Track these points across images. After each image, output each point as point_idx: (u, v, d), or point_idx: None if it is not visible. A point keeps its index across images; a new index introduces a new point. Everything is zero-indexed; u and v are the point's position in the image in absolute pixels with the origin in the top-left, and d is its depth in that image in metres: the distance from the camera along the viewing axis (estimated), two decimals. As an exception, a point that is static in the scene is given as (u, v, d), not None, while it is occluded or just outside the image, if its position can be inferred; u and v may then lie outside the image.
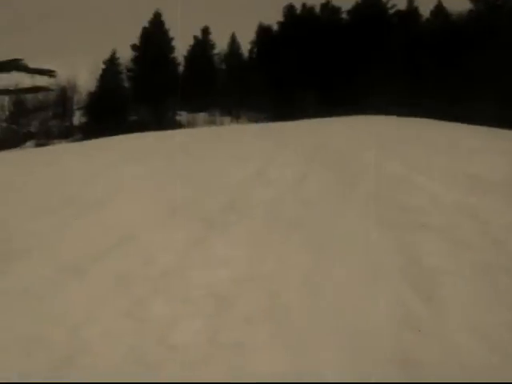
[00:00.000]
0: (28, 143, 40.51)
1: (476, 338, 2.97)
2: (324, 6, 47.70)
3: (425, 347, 2.90)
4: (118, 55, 47.59)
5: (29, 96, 47.47)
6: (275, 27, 48.71)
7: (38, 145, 37.56)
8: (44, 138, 41.58)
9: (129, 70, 47.18)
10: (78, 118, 46.93)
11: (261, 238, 4.95)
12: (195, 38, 52.00)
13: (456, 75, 30.16)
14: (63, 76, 46.80)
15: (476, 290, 3.61)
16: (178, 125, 40.33)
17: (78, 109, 47.53)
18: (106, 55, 47.29)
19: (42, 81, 41.59)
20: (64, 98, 47.84)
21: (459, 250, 4.39)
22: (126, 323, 3.36)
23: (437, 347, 2.90)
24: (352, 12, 45.72)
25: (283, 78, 37.32)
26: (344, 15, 46.80)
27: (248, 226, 5.37)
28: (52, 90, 48.54)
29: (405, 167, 7.87)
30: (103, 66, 46.90)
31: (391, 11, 45.29)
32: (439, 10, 43.45)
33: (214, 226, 5.43)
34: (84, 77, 46.75)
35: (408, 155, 8.80)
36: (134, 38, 47.26)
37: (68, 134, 43.61)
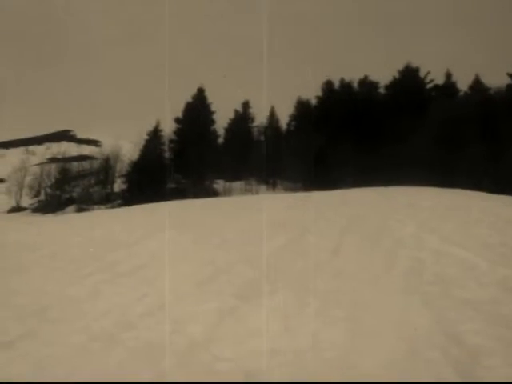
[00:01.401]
0: (68, 208, 41.91)
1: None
2: (362, 81, 48.95)
3: None
4: (160, 127, 49.68)
5: (74, 164, 49.78)
6: (313, 101, 50.07)
7: (79, 210, 38.78)
8: (85, 203, 42.97)
9: (171, 142, 48.89)
10: (118, 185, 48.52)
11: (293, 312, 4.81)
12: (236, 111, 53.97)
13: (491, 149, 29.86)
14: (108, 145, 49.11)
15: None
16: (214, 193, 41.04)
17: (120, 176, 49.24)
18: (150, 127, 49.41)
19: (87, 150, 43.68)
20: (107, 166, 49.86)
21: (502, 329, 4.13)
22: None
23: None
24: (389, 86, 46.66)
25: (319, 150, 37.80)
26: (381, 90, 47.76)
27: (281, 297, 5.25)
28: (96, 159, 50.78)
29: (443, 240, 7.64)
30: (146, 137, 48.86)
31: (429, 85, 46.00)
32: (477, 84, 43.82)
33: (246, 297, 5.33)
34: (127, 146, 48.86)
35: (445, 227, 8.57)
36: (178, 111, 49.40)
37: (108, 199, 44.96)
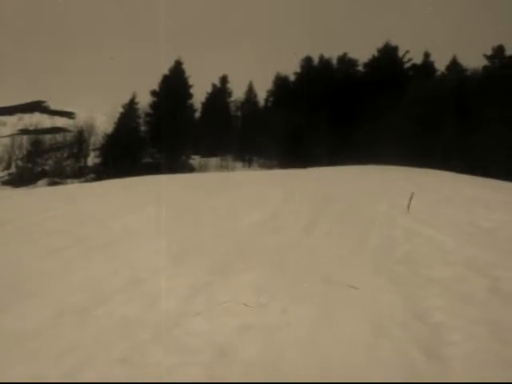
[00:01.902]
0: (41, 181, 41.18)
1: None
2: (341, 59, 48.88)
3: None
4: (136, 100, 48.85)
5: (47, 136, 48.69)
6: (292, 77, 49.87)
7: (51, 183, 38.19)
8: (57, 176, 42.28)
9: (146, 115, 48.19)
10: (92, 159, 47.79)
11: (266, 288, 4.90)
12: (213, 85, 53.40)
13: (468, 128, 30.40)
14: (82, 117, 48.13)
15: (484, 349, 3.51)
16: (190, 169, 40.85)
17: (94, 150, 48.47)
18: (125, 99, 48.57)
19: (61, 122, 42.74)
20: (81, 138, 48.94)
21: (466, 306, 4.29)
22: (122, 369, 3.31)
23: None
24: (368, 65, 46.74)
25: (297, 127, 37.82)
26: (360, 67, 47.83)
27: (254, 274, 5.33)
28: (70, 131, 49.79)
29: (413, 220, 7.82)
30: (121, 110, 48.04)
31: (407, 65, 46.23)
32: (454, 65, 44.27)
33: (219, 273, 5.40)
34: (101, 119, 47.99)
35: (416, 207, 8.77)
36: (154, 84, 48.63)
37: (81, 173, 44.31)
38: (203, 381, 3.14)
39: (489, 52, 43.21)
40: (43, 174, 44.27)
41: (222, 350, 3.56)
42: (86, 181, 35.24)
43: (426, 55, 46.52)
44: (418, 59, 46.21)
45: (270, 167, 34.95)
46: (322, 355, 3.49)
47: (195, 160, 45.20)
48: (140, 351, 3.59)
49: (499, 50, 42.98)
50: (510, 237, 6.68)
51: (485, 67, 42.10)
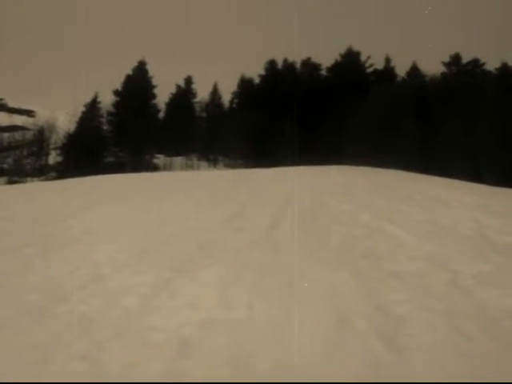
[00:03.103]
0: (-1, 180, 39.90)
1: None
2: (304, 63, 49.41)
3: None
4: (99, 99, 48.07)
5: (5, 134, 47.22)
6: (257, 80, 50.06)
7: (10, 182, 37.08)
8: (17, 175, 41.08)
9: (109, 114, 47.47)
10: (53, 158, 46.66)
11: (229, 284, 4.89)
12: (178, 86, 53.07)
13: (428, 131, 31.28)
14: (42, 116, 46.93)
15: (442, 339, 3.60)
16: (154, 168, 40.43)
17: (55, 149, 47.34)
18: (87, 98, 47.74)
19: (20, 120, 41.51)
20: (41, 137, 47.71)
21: (426, 299, 4.40)
22: (82, 366, 3.24)
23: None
24: (331, 69, 47.42)
25: (261, 128, 37.98)
26: (324, 72, 48.46)
27: (217, 271, 5.31)
28: (29, 130, 48.44)
29: (375, 217, 7.97)
30: (83, 109, 47.18)
31: (369, 70, 47.17)
32: (414, 70, 45.48)
33: (182, 269, 5.36)
34: (63, 118, 46.89)
35: (378, 205, 8.94)
36: (117, 83, 47.98)
37: (42, 172, 43.17)
38: (164, 376, 3.10)
39: (446, 59, 44.64)
40: (1, 173, 42.91)
41: (184, 344, 3.53)
42: (47, 179, 34.36)
43: (387, 61, 47.64)
44: (379, 65, 47.27)
45: (235, 167, 34.96)
46: (285, 348, 3.50)
47: (159, 159, 44.80)
48: (100, 348, 3.52)
49: (456, 58, 44.45)
50: (466, 233, 6.90)
51: (443, 74, 43.45)
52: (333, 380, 3.07)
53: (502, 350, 3.40)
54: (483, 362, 3.24)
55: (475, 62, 43.28)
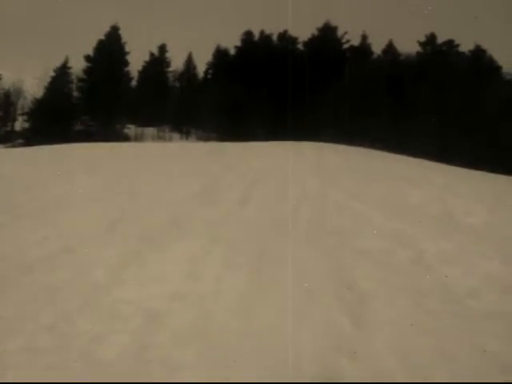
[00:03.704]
0: (-38, 146, 38.57)
1: (401, 362, 3.05)
2: (281, 35, 48.80)
3: (353, 369, 2.94)
4: (69, 64, 46.59)
5: (-32, 98, 45.46)
6: (232, 51, 49.31)
7: (-26, 148, 35.91)
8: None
9: (80, 80, 46.13)
10: (20, 124, 45.23)
11: (199, 258, 4.91)
12: (151, 54, 51.84)
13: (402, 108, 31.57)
14: (9, 79, 45.27)
15: (404, 315, 3.72)
16: (125, 138, 39.69)
17: (22, 114, 45.86)
18: (57, 63, 46.19)
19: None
20: (7, 102, 46.09)
21: (391, 276, 4.52)
22: (49, 338, 3.22)
23: (364, 368, 2.95)
24: (308, 43, 47.02)
25: (235, 101, 37.64)
26: (300, 46, 48.03)
27: (187, 244, 5.31)
28: (-6, 93, 46.72)
29: (344, 195, 8.07)
30: (53, 74, 45.68)
31: (346, 46, 46.99)
32: (390, 48, 45.55)
33: (151, 242, 5.34)
34: (30, 82, 45.32)
35: (347, 183, 9.05)
36: (89, 48, 46.53)
37: (8, 138, 41.88)
38: (132, 348, 3.12)
39: (422, 39, 44.78)
40: (-35, 139, 41.49)
41: (152, 317, 3.55)
42: (14, 146, 33.41)
43: (364, 37, 47.48)
44: (355, 41, 47.08)
45: (208, 140, 34.69)
46: (252, 321, 3.56)
47: (130, 129, 43.95)
48: (68, 320, 3.51)
49: (431, 38, 44.61)
50: (433, 212, 7.07)
51: (418, 53, 43.63)
52: (297, 348, 3.15)
53: (461, 327, 3.54)
54: (443, 337, 3.37)
55: (450, 43, 43.54)
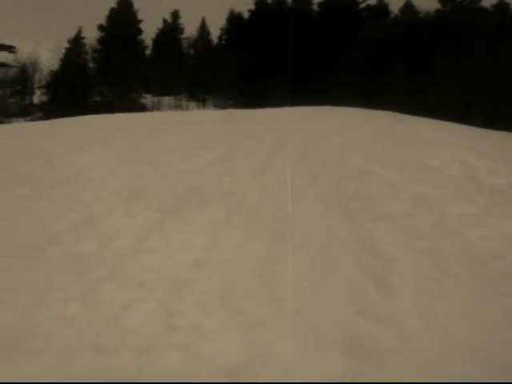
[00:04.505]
0: (-18, 120, 39.00)
1: (425, 324, 3.07)
2: (296, -4, 47.64)
3: (378, 333, 2.96)
4: (83, 35, 46.38)
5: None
6: (246, 15, 48.42)
7: (-5, 122, 36.34)
8: (1, 115, 40.17)
9: (94, 51, 46.00)
10: (38, 97, 45.50)
11: (220, 226, 4.95)
12: (164, 21, 51.19)
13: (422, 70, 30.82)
14: (24, 53, 45.30)
15: (428, 278, 3.72)
16: (142, 108, 39.71)
17: (39, 87, 46.08)
18: (71, 34, 46.02)
19: (1, 57, 40.08)
20: (24, 75, 46.27)
21: (414, 239, 4.51)
22: (78, 307, 3.31)
23: (389, 333, 2.97)
24: (323, 4, 45.85)
25: (252, 66, 37.19)
26: (315, 7, 46.89)
27: (208, 213, 5.35)
28: (11, 67, 46.88)
29: (366, 159, 7.99)
30: (67, 45, 45.58)
31: (362, 5, 45.75)
32: (408, 7, 44.18)
33: (173, 211, 5.40)
34: (46, 55, 45.30)
35: (369, 147, 8.94)
36: (101, 18, 46.19)
37: (27, 112, 42.25)
38: (159, 315, 3.19)
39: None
40: (-15, 113, 41.93)
41: (177, 285, 3.61)
42: (33, 119, 33.72)
43: (381, -4, 46.08)
44: (372, 0, 45.79)
45: (225, 107, 34.49)
46: (273, 286, 3.60)
47: (147, 99, 43.92)
48: (95, 289, 3.59)
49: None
50: (455, 175, 6.97)
51: (437, 10, 42.21)
52: (320, 313, 3.18)
53: (484, 289, 3.53)
54: (466, 301, 3.37)
55: (471, -2, 42.01)
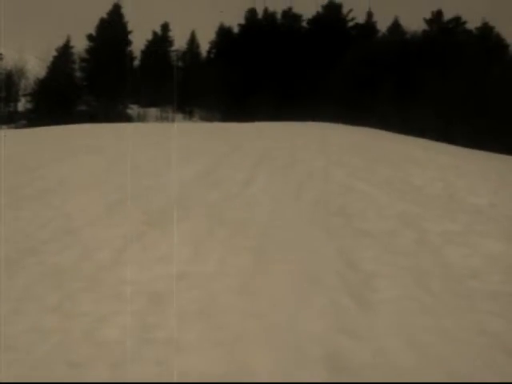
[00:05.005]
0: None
1: (404, 341, 3.06)
2: (285, 13, 48.18)
3: (357, 350, 2.95)
4: (72, 44, 46.28)
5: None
6: (236, 29, 48.78)
7: (-23, 129, 35.88)
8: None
9: (82, 60, 45.88)
10: (23, 105, 45.08)
11: (202, 239, 4.92)
12: (154, 33, 51.33)
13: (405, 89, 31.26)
14: (10, 60, 45.01)
15: (408, 295, 3.73)
16: (127, 118, 39.56)
17: (24, 95, 45.69)
18: (59, 42, 45.88)
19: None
20: (9, 82, 45.87)
21: (396, 257, 4.52)
22: (53, 319, 3.25)
23: (368, 350, 2.96)
24: (312, 21, 46.44)
25: (239, 81, 37.39)
26: (304, 23, 47.44)
27: (191, 225, 5.32)
28: (-4, 74, 46.45)
29: (350, 175, 8.04)
30: (55, 53, 45.40)
31: (350, 23, 46.44)
32: (396, 26, 44.95)
33: (155, 223, 5.36)
34: (33, 62, 45.01)
35: (353, 163, 9.01)
36: (91, 27, 46.16)
37: (11, 119, 41.79)
38: (135, 329, 3.14)
39: (428, 16, 44.14)
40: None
41: (156, 298, 3.57)
42: (17, 127, 33.39)
43: (369, 15, 46.89)
44: (360, 19, 46.55)
45: (212, 120, 34.55)
46: (254, 301, 3.58)
47: (133, 110, 43.81)
48: (72, 300, 3.54)
49: (438, 15, 43.97)
50: (437, 193, 7.05)
51: (424, 31, 43.03)
52: (300, 329, 3.16)
53: (464, 308, 3.55)
54: (445, 318, 3.38)
55: (457, 20, 42.93)
